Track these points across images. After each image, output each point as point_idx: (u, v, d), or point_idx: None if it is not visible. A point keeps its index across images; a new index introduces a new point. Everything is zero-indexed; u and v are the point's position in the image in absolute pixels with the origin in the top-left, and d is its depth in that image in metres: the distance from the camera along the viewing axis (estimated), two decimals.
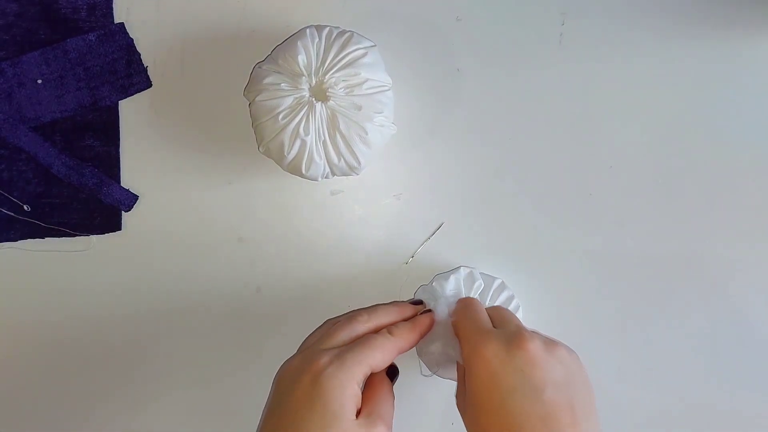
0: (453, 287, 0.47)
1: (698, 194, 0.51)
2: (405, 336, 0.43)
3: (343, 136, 0.44)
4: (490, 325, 0.42)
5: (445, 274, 0.48)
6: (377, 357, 0.40)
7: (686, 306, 0.52)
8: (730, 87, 0.51)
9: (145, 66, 0.49)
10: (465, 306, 0.45)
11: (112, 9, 0.49)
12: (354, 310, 0.47)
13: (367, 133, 0.44)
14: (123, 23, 0.49)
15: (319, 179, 0.46)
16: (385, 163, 0.50)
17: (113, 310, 0.50)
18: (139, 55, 0.49)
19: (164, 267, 0.50)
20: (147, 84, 0.49)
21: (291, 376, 0.39)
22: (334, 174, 0.46)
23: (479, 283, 0.48)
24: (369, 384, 0.41)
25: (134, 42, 0.49)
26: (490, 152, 0.51)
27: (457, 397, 0.43)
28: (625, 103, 0.51)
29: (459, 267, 0.49)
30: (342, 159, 0.45)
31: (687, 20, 0.51)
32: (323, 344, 0.41)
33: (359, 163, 0.45)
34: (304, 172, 0.45)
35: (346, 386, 0.38)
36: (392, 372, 0.43)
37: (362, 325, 0.43)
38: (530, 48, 0.50)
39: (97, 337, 0.50)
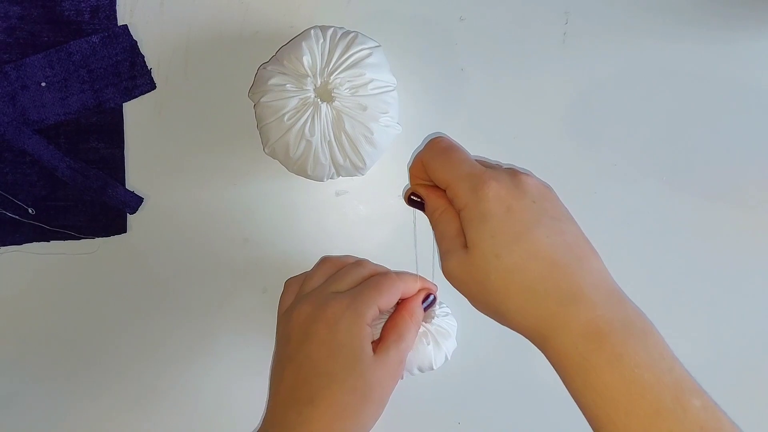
0: None
1: (702, 192, 0.51)
2: (408, 281, 0.44)
3: (348, 137, 0.44)
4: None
5: None
6: (384, 299, 0.42)
7: (691, 305, 0.52)
8: (733, 85, 0.51)
9: (149, 68, 0.49)
10: (446, 148, 0.39)
11: (115, 11, 0.49)
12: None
13: (372, 134, 0.44)
14: (126, 25, 0.49)
15: (325, 180, 0.46)
16: (390, 164, 0.50)
17: (119, 312, 0.50)
18: (143, 57, 0.49)
19: (170, 268, 0.50)
20: (151, 86, 0.49)
21: (305, 323, 0.40)
22: (339, 174, 0.46)
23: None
24: (394, 317, 0.43)
25: (138, 44, 0.49)
26: (494, 151, 0.51)
27: (449, 263, 0.38)
28: (628, 102, 0.51)
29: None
30: (347, 159, 0.45)
31: (689, 19, 0.51)
32: (332, 287, 0.42)
33: (364, 163, 0.45)
34: (309, 172, 0.45)
35: (361, 330, 0.39)
36: (426, 299, 0.45)
37: (366, 270, 0.44)
38: (534, 47, 0.50)
39: (103, 338, 0.50)
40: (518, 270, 0.34)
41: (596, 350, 0.32)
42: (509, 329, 0.38)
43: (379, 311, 0.42)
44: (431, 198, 0.41)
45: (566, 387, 0.35)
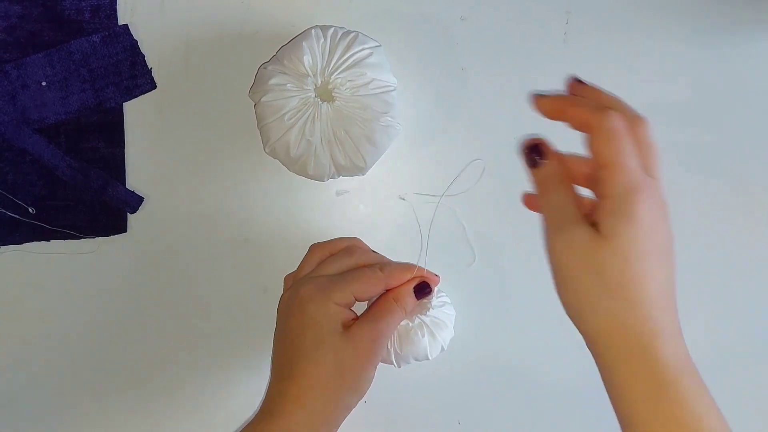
0: None
1: (702, 193, 0.51)
2: (395, 274, 0.45)
3: (348, 137, 0.44)
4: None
5: None
6: (360, 287, 0.44)
7: (691, 305, 0.52)
8: (734, 85, 0.51)
9: (149, 67, 0.49)
10: (627, 130, 0.35)
11: (116, 10, 0.49)
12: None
13: (372, 133, 0.44)
14: (127, 25, 0.49)
15: (325, 180, 0.46)
16: (390, 163, 0.50)
17: (119, 312, 0.50)
18: (144, 56, 0.49)
19: (170, 268, 0.50)
20: (152, 85, 0.49)
21: (285, 307, 0.45)
22: (339, 174, 0.46)
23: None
24: (378, 301, 0.45)
25: (138, 43, 0.49)
26: (495, 151, 0.51)
27: (574, 235, 0.35)
28: (629, 101, 0.51)
29: None
30: (348, 159, 0.45)
31: (690, 19, 0.51)
32: (315, 273, 0.45)
33: (365, 163, 0.45)
34: (310, 172, 0.45)
35: (328, 309, 0.42)
36: (421, 288, 0.45)
37: (353, 259, 0.46)
38: (534, 47, 0.50)
39: (103, 338, 0.50)
40: (636, 282, 0.34)
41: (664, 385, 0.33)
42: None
43: (356, 299, 0.44)
44: (556, 161, 0.37)
45: (608, 381, 0.35)
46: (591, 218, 0.35)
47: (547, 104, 0.38)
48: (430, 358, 0.47)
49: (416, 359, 0.47)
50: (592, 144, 0.36)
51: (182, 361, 0.51)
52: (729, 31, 0.51)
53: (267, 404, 0.42)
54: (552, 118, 0.38)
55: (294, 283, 0.46)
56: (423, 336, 0.46)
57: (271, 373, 0.44)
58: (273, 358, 0.45)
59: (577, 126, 0.37)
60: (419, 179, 0.51)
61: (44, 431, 0.51)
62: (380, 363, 0.46)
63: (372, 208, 0.51)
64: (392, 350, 0.47)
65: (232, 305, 0.50)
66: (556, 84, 0.50)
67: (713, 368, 0.52)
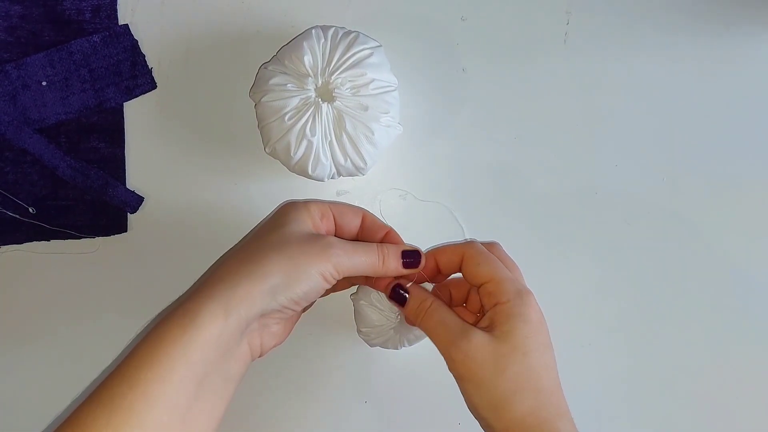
0: None
1: (704, 192, 0.51)
2: (380, 224, 0.45)
3: (349, 137, 0.44)
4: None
5: None
6: (338, 208, 0.43)
7: (691, 305, 0.52)
8: (734, 85, 0.51)
9: (150, 67, 0.49)
10: (488, 251, 0.42)
11: (116, 10, 0.49)
12: None
13: (373, 134, 0.44)
14: (127, 24, 0.49)
15: (326, 180, 0.46)
16: (390, 163, 0.50)
17: (119, 312, 0.50)
18: (144, 56, 0.49)
19: (170, 268, 0.50)
20: (152, 85, 0.49)
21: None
22: (340, 174, 0.46)
23: None
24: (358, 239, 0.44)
25: (139, 43, 0.49)
26: (496, 152, 0.51)
27: (473, 341, 0.39)
28: (630, 102, 0.51)
29: None
30: (348, 159, 0.45)
31: (692, 18, 0.51)
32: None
33: (365, 163, 0.45)
34: (310, 172, 0.45)
35: (299, 213, 0.41)
36: (411, 254, 0.43)
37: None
38: (535, 47, 0.50)
39: (103, 338, 0.50)
40: (535, 373, 0.38)
41: None
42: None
43: (335, 221, 0.43)
44: (419, 291, 0.43)
45: None
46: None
47: (424, 268, 0.43)
48: (421, 340, 0.48)
49: (409, 343, 0.48)
50: (468, 269, 0.42)
51: None
52: (729, 31, 0.51)
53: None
54: (433, 278, 0.44)
55: None
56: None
57: None
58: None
59: (447, 267, 0.43)
60: (419, 179, 0.51)
61: (44, 430, 0.51)
62: (382, 348, 0.47)
63: (373, 208, 0.51)
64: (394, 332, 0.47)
65: None
66: (555, 84, 0.51)
67: (714, 368, 0.52)
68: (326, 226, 0.43)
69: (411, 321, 0.43)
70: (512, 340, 0.38)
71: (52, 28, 0.48)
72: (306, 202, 0.42)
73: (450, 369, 0.40)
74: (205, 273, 0.48)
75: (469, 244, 0.43)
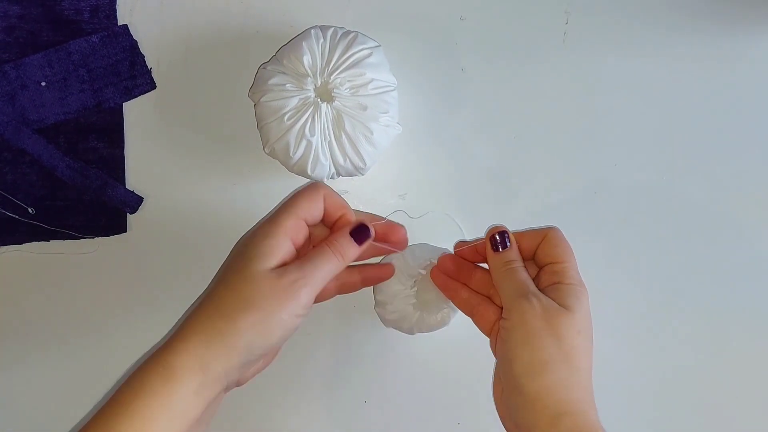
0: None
1: (704, 191, 0.51)
2: (336, 198, 0.43)
3: (348, 137, 0.44)
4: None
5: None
6: (302, 206, 0.41)
7: (691, 305, 0.52)
8: (734, 85, 0.51)
9: (149, 67, 0.49)
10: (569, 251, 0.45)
11: (115, 11, 0.49)
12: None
13: (372, 134, 0.44)
14: (126, 25, 0.49)
15: (325, 180, 0.46)
16: (390, 163, 0.50)
17: (119, 312, 0.50)
18: (143, 56, 0.49)
19: (169, 268, 0.50)
20: (151, 85, 0.49)
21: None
22: (339, 174, 0.46)
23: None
24: (314, 247, 0.42)
25: (138, 43, 0.49)
26: (495, 151, 0.51)
27: (540, 301, 0.41)
28: (629, 101, 0.51)
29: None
30: (347, 159, 0.45)
31: (691, 18, 0.51)
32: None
33: (365, 163, 0.45)
34: (309, 172, 0.45)
35: (269, 238, 0.40)
36: (358, 231, 0.42)
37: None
38: (534, 47, 0.50)
39: (103, 338, 0.50)
40: (580, 352, 0.40)
41: None
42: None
43: (306, 223, 0.42)
44: (515, 248, 0.44)
45: None
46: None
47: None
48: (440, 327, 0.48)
49: (420, 330, 0.48)
50: (545, 248, 0.44)
51: None
52: (729, 31, 0.51)
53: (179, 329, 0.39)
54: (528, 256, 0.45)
55: None
56: (416, 311, 0.47)
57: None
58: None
59: (529, 245, 0.45)
60: (419, 179, 0.51)
61: (43, 430, 0.50)
62: (396, 330, 0.47)
63: (372, 208, 0.50)
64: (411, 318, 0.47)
65: None
66: (555, 83, 0.51)
67: (713, 368, 0.52)
68: (301, 239, 0.42)
69: (496, 266, 0.43)
70: (572, 314, 0.40)
71: (51, 28, 0.48)
72: (269, 231, 0.40)
73: (505, 322, 0.41)
74: (186, 313, 0.46)
75: (554, 228, 0.44)
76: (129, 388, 0.37)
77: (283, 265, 0.39)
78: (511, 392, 0.40)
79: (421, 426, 0.51)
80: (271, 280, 0.38)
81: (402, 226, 0.46)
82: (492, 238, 0.44)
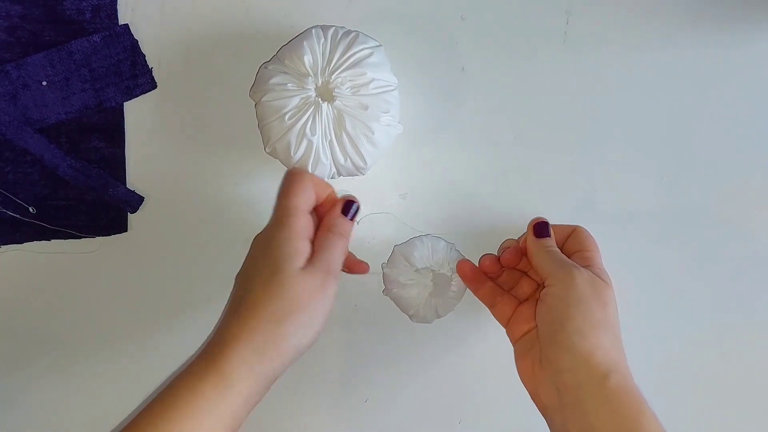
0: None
1: (702, 192, 0.51)
2: (321, 184, 0.45)
3: (349, 136, 0.44)
4: None
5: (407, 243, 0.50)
6: (302, 199, 0.43)
7: (691, 304, 0.52)
8: (734, 85, 0.51)
9: (150, 67, 0.49)
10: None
11: (116, 10, 0.49)
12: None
13: (373, 133, 0.44)
14: (127, 24, 0.49)
15: (326, 179, 0.46)
16: (391, 163, 0.50)
17: (119, 311, 0.50)
18: (144, 56, 0.49)
19: (170, 268, 0.50)
20: (152, 85, 0.49)
21: (253, 244, 0.44)
22: (340, 174, 0.46)
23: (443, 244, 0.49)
24: (317, 236, 0.44)
25: (139, 43, 0.49)
26: (496, 151, 0.51)
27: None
28: (629, 101, 0.51)
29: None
30: (348, 159, 0.45)
31: (691, 18, 0.51)
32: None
33: (365, 163, 0.45)
34: (310, 172, 0.45)
35: (290, 240, 0.41)
36: (347, 208, 0.45)
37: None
38: (535, 46, 0.51)
39: (104, 338, 0.50)
40: (617, 324, 0.44)
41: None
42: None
43: (315, 210, 0.44)
44: (553, 235, 0.48)
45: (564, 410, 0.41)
46: None
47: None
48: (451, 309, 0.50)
49: (438, 315, 0.49)
50: (576, 239, 0.48)
51: (181, 360, 0.51)
52: (729, 31, 0.51)
53: (213, 338, 0.41)
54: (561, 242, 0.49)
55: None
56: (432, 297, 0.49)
57: (225, 308, 0.43)
58: (231, 293, 0.43)
59: (560, 236, 0.49)
60: (419, 179, 0.51)
61: (43, 430, 0.51)
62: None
63: (372, 207, 0.51)
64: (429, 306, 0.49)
65: None
66: (555, 83, 0.51)
67: (714, 367, 0.52)
68: (312, 233, 0.44)
69: (538, 249, 0.46)
70: (611, 288, 0.44)
71: (53, 28, 0.48)
72: (288, 235, 0.42)
73: (551, 289, 0.44)
74: (227, 305, 0.45)
75: (580, 226, 0.49)
76: (179, 391, 0.38)
77: (308, 264, 0.41)
78: (558, 355, 0.41)
79: (421, 425, 0.52)
80: (305, 281, 0.40)
81: (365, 263, 0.49)
82: (536, 226, 0.47)
